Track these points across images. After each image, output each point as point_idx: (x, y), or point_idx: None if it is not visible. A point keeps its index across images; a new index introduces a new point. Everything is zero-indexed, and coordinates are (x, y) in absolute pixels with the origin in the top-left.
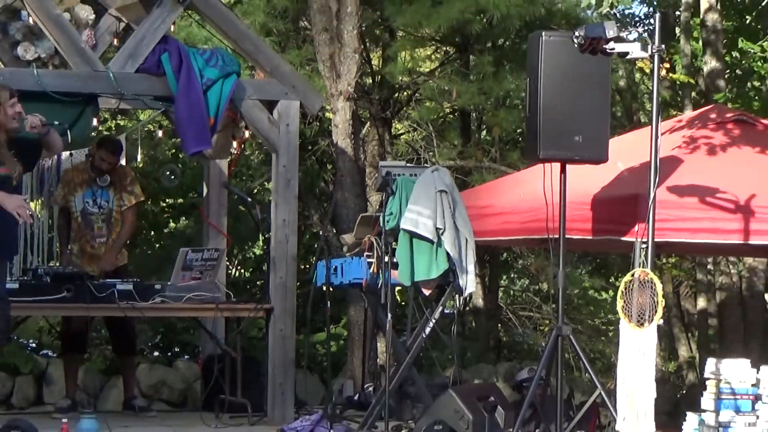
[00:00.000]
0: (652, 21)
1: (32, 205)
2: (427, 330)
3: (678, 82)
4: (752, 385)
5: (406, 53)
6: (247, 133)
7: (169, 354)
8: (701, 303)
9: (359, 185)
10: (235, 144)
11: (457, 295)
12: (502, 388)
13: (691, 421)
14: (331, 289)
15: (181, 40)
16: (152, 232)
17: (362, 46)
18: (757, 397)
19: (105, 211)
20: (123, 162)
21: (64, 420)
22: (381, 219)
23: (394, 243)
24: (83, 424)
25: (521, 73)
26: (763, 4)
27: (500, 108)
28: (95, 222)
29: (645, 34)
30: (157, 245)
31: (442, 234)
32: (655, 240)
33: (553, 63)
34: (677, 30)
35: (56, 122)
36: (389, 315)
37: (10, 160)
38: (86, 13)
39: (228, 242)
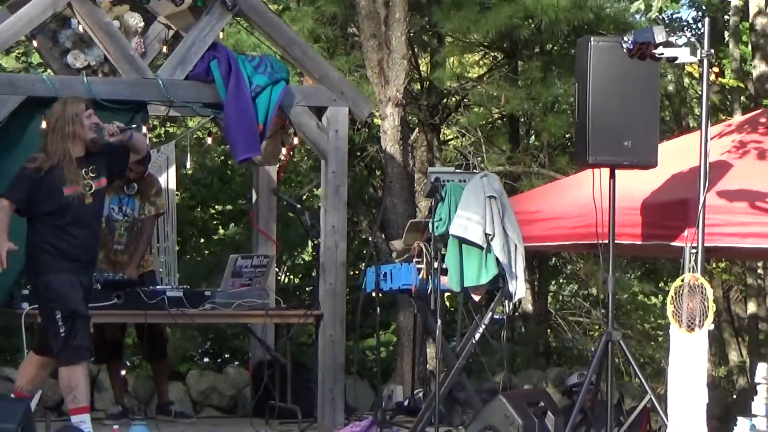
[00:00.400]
0: (700, 25)
1: None
2: (477, 335)
3: (727, 87)
4: None
5: (454, 59)
6: (296, 140)
7: (219, 360)
8: (751, 307)
9: (408, 191)
10: (284, 150)
11: (506, 301)
12: (552, 394)
13: (742, 426)
14: (380, 295)
15: (230, 47)
16: (201, 239)
17: (410, 52)
18: None
19: (129, 219)
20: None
21: (115, 426)
22: (430, 225)
23: (443, 249)
24: (134, 431)
25: (570, 79)
26: None
27: (549, 113)
28: (117, 229)
29: (694, 39)
30: (207, 252)
31: (492, 239)
32: (705, 245)
33: (601, 68)
34: (726, 34)
35: (134, 125)
36: (439, 321)
37: (77, 178)
38: (135, 20)
39: (277, 249)
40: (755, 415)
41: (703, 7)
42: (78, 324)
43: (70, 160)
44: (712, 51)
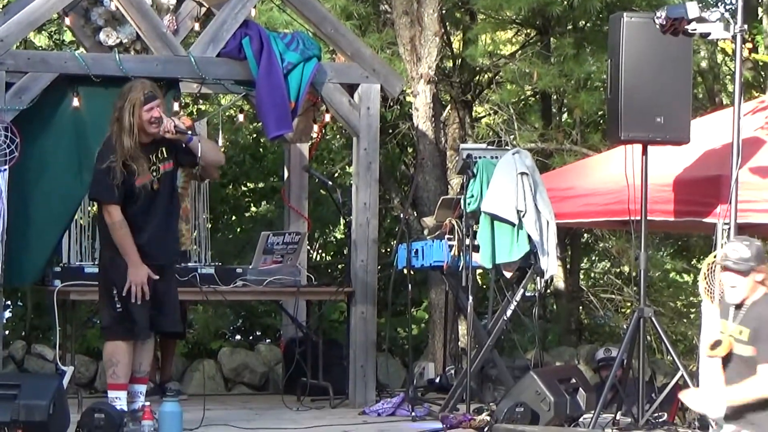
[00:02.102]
0: (734, 1)
1: None
2: (509, 312)
3: (761, 63)
4: None
5: (486, 36)
6: (327, 117)
7: (251, 338)
8: None
9: (440, 168)
10: (315, 128)
11: (538, 278)
12: (583, 371)
13: None
14: (412, 272)
15: (262, 24)
16: (233, 217)
17: (443, 30)
18: None
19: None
20: None
21: (147, 403)
22: (462, 202)
23: (475, 225)
24: (166, 407)
25: (602, 55)
26: None
27: (581, 90)
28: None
29: (727, 15)
30: (238, 229)
31: (523, 216)
32: (738, 221)
33: (634, 44)
34: (760, 10)
35: (189, 132)
36: (470, 298)
37: (145, 169)
38: (168, 0)
39: (309, 226)
40: None
41: None
42: (134, 304)
43: (136, 152)
44: (746, 26)
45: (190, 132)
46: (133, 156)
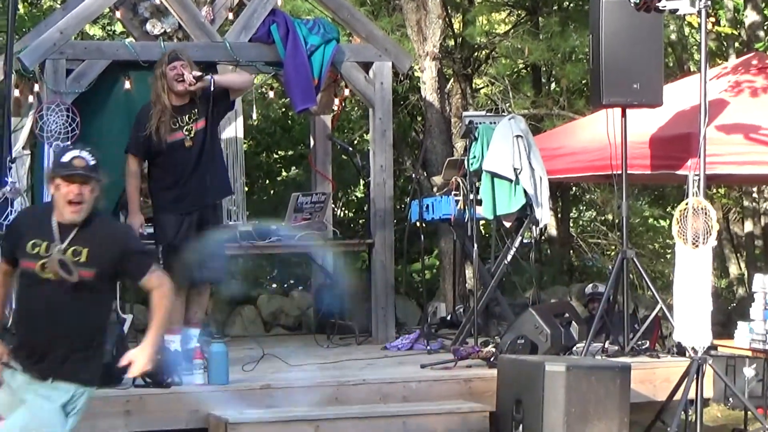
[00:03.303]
0: None
1: None
2: (509, 257)
3: (723, 34)
4: None
5: (483, 17)
6: (346, 92)
7: (285, 286)
8: (748, 227)
9: (445, 133)
10: (336, 101)
11: (533, 226)
12: (575, 306)
13: (741, 329)
14: (423, 224)
15: (287, 12)
16: (267, 181)
17: (445, 13)
18: None
19: None
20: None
21: (197, 344)
22: (466, 162)
23: (477, 182)
24: (214, 348)
25: (584, 31)
26: None
27: (567, 62)
28: None
29: None
30: (272, 192)
31: (520, 173)
32: (706, 172)
33: (612, 21)
34: None
35: (204, 74)
36: (475, 245)
37: (176, 127)
38: None
39: (333, 187)
40: (753, 320)
41: None
42: (174, 257)
43: (167, 112)
44: (709, 2)
45: (207, 75)
46: (167, 115)
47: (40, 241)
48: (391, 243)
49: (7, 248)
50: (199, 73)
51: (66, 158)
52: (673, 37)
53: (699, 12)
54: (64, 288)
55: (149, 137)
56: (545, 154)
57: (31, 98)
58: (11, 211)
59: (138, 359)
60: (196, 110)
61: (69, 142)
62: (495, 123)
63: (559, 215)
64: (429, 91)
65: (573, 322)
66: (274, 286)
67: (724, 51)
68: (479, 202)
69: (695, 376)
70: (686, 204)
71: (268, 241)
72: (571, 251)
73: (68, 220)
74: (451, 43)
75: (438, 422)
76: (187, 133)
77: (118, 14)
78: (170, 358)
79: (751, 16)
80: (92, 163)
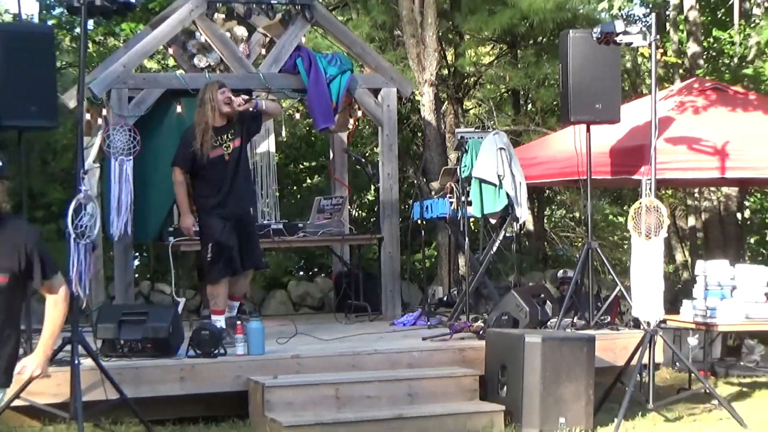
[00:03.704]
0: (649, 19)
1: None
2: (494, 248)
3: (669, 63)
4: (730, 279)
5: (471, 51)
6: (359, 113)
7: (310, 273)
8: (691, 221)
9: (441, 147)
10: (351, 121)
11: (514, 223)
12: (549, 288)
13: (686, 306)
14: (423, 221)
15: (310, 48)
16: (294, 187)
17: (440, 47)
18: (734, 287)
19: None
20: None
21: (239, 322)
22: (458, 170)
23: (468, 187)
24: (252, 324)
25: (555, 61)
26: (730, 3)
27: (541, 87)
28: None
29: (644, 29)
30: (299, 196)
31: (502, 179)
32: (657, 177)
33: (578, 52)
34: (667, 24)
35: (255, 96)
36: (466, 239)
37: (217, 144)
38: (242, 31)
39: (349, 191)
40: (695, 298)
41: (650, 5)
42: (221, 253)
43: (209, 131)
44: (658, 37)
45: (254, 99)
46: (207, 135)
47: None
48: (396, 237)
49: None
50: (247, 96)
51: None
52: (629, 65)
53: (650, 45)
54: None
55: (194, 153)
56: (523, 163)
57: (99, 121)
58: (84, 214)
59: (29, 364)
60: (233, 130)
61: (131, 157)
62: (482, 138)
63: (535, 213)
64: (427, 112)
65: (547, 301)
66: (301, 273)
67: (670, 76)
68: (469, 203)
69: (648, 345)
70: (640, 203)
71: (296, 237)
72: (546, 243)
73: None
74: (445, 72)
75: (437, 385)
76: (225, 149)
77: (170, 51)
78: (216, 333)
79: (692, 48)
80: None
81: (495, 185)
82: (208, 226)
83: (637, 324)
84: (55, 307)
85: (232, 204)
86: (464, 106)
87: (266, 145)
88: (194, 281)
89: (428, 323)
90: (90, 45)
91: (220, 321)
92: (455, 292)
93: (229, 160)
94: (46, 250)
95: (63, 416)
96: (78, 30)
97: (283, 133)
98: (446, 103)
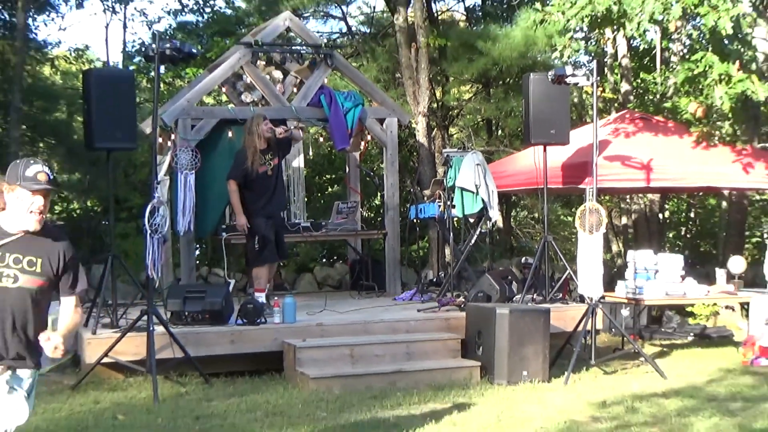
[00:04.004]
0: (591, 64)
1: None
2: (473, 241)
3: (607, 98)
4: (654, 265)
5: (454, 89)
6: (369, 137)
7: (331, 260)
8: (624, 220)
9: (431, 163)
10: (362, 143)
11: (488, 221)
12: (515, 271)
13: (620, 285)
14: (418, 221)
15: (331, 87)
16: (319, 194)
17: (431, 86)
18: (656, 271)
19: None
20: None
21: (276, 298)
22: (445, 181)
23: (452, 194)
24: (286, 299)
25: (519, 97)
26: (653, 52)
27: (508, 117)
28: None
29: (587, 72)
30: (322, 201)
31: (479, 188)
32: (597, 186)
33: (536, 90)
34: (605, 69)
35: (293, 127)
36: (451, 234)
37: (263, 162)
38: (278, 74)
39: (360, 197)
40: (626, 279)
41: (592, 54)
42: (265, 245)
43: (257, 153)
44: (598, 78)
45: (291, 129)
46: (256, 156)
47: None
48: (397, 233)
49: None
50: (285, 127)
51: (30, 172)
52: (576, 100)
53: (592, 84)
54: (18, 294)
55: (246, 169)
56: (495, 175)
57: (169, 143)
58: (157, 215)
59: (53, 336)
60: (272, 152)
61: (193, 171)
62: (463, 156)
63: (504, 214)
64: (421, 136)
65: (513, 281)
66: (324, 260)
67: (607, 109)
68: (453, 206)
69: (591, 315)
70: (584, 206)
71: (320, 232)
72: (512, 237)
73: (27, 229)
74: (435, 105)
75: (428, 346)
76: (268, 166)
77: (223, 89)
78: (259, 306)
79: (624, 87)
80: (52, 177)
81: (473, 192)
82: (256, 224)
83: (582, 299)
84: (75, 312)
85: (272, 207)
86: (449, 132)
87: (297, 162)
88: (241, 266)
89: (422, 299)
90: (161, 85)
91: (261, 297)
92: (442, 275)
93: (271, 175)
94: (78, 265)
95: (141, 370)
96: (152, 73)
97: (311, 153)
98: (435, 129)
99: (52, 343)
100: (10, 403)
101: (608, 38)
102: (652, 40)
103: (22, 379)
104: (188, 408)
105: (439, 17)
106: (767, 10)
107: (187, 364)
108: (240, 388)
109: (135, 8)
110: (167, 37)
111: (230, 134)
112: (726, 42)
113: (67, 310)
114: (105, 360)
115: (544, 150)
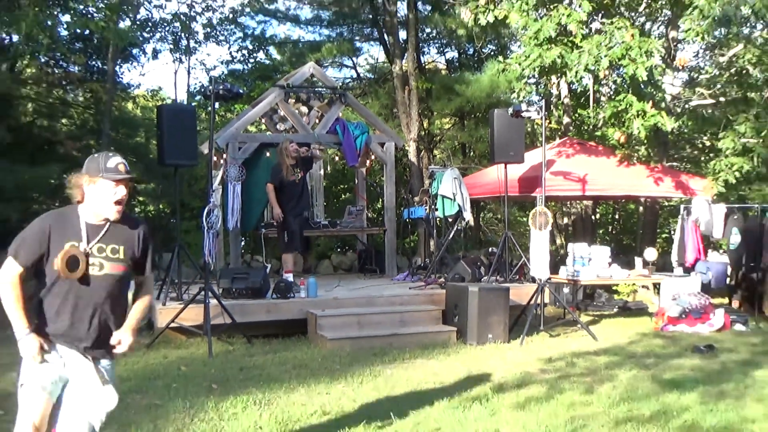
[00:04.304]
0: (541, 102)
1: None
2: (451, 235)
3: (553, 128)
4: (588, 254)
5: (438, 121)
6: (373, 157)
7: (344, 249)
8: (565, 220)
9: (420, 176)
10: (368, 161)
11: (462, 221)
12: (483, 259)
13: (562, 269)
14: (410, 220)
15: (344, 118)
16: (335, 200)
17: (419, 119)
18: (590, 259)
19: None
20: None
21: (302, 278)
22: (430, 190)
23: (435, 200)
24: (310, 279)
25: (486, 127)
26: (588, 93)
27: (478, 142)
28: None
29: (538, 108)
30: (337, 205)
31: (456, 195)
32: (546, 194)
33: (499, 122)
34: (552, 106)
35: (315, 148)
36: (434, 230)
37: (292, 174)
38: (305, 109)
39: (366, 202)
40: (567, 265)
41: (542, 95)
42: (293, 236)
43: (288, 167)
44: (546, 113)
45: (313, 151)
46: (287, 168)
47: (77, 242)
48: (394, 229)
49: (32, 253)
50: (306, 148)
51: (111, 164)
52: (529, 129)
53: (541, 118)
54: (103, 281)
55: (281, 178)
56: (468, 186)
57: (221, 161)
58: (213, 215)
59: (124, 338)
60: (299, 167)
61: (240, 182)
62: (444, 171)
63: (475, 215)
64: (412, 156)
65: (482, 266)
66: (339, 250)
67: (553, 136)
68: (436, 209)
69: (540, 292)
70: (536, 209)
71: (336, 229)
72: (480, 233)
73: (108, 218)
74: (423, 133)
75: (418, 315)
76: (296, 176)
77: (263, 120)
78: (289, 285)
79: (566, 120)
80: (128, 168)
81: (451, 199)
82: (287, 221)
83: (533, 280)
84: (147, 293)
85: (299, 209)
86: (433, 153)
87: (319, 175)
88: (276, 254)
89: (413, 279)
90: (216, 117)
91: (290, 277)
92: (428, 261)
93: (298, 183)
94: (152, 249)
95: (199, 333)
96: (209, 108)
97: (329, 168)
98: (423, 151)
99: (124, 346)
100: (104, 391)
101: (553, 83)
102: (586, 84)
103: (110, 365)
104: (235, 361)
105: (426, 67)
106: (673, 62)
107: (234, 328)
108: (274, 346)
109: (197, 59)
110: (221, 81)
111: (267, 154)
112: (642, 86)
113: (143, 290)
114: (172, 325)
115: (505, 167)
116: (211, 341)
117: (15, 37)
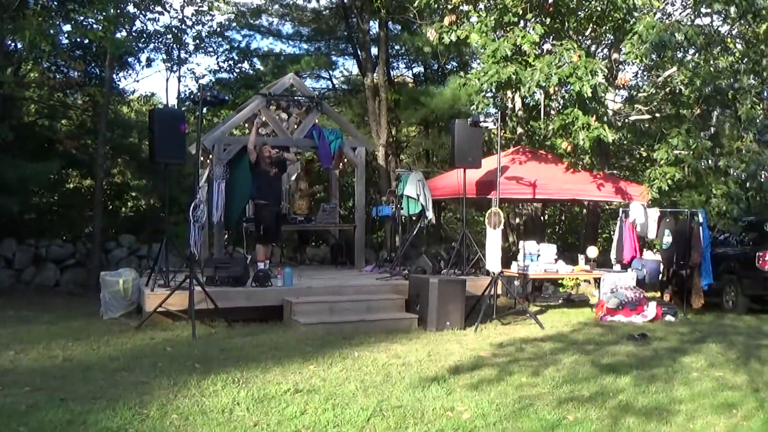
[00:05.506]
0: (497, 114)
1: None
2: (414, 232)
3: (507, 138)
4: (537, 251)
5: (404, 129)
6: (345, 160)
7: (318, 243)
8: (517, 220)
9: (387, 178)
10: (341, 164)
11: (425, 219)
12: (443, 254)
13: (514, 264)
14: (378, 218)
15: (320, 125)
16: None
17: (388, 127)
18: (539, 255)
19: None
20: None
21: (279, 268)
22: (396, 191)
23: (401, 200)
24: (286, 269)
25: (448, 135)
26: (539, 107)
27: (440, 149)
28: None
29: (495, 119)
30: (312, 202)
31: (419, 196)
32: (500, 197)
33: (460, 130)
34: (507, 117)
35: (294, 152)
36: (400, 226)
37: (272, 169)
38: (284, 116)
39: (339, 201)
40: (518, 261)
41: (498, 107)
42: (267, 229)
43: (269, 164)
44: (501, 124)
45: (283, 154)
46: (269, 166)
47: None
48: (363, 225)
49: None
50: (278, 150)
51: None
52: (486, 138)
53: (497, 128)
54: None
55: (262, 161)
56: (431, 188)
57: (208, 161)
58: (199, 210)
59: None
60: (274, 165)
61: (224, 179)
62: (409, 174)
63: (437, 214)
64: (381, 160)
65: (441, 260)
66: (313, 243)
67: (508, 144)
68: (401, 208)
69: (494, 284)
70: (491, 210)
71: (311, 224)
72: (441, 230)
73: None
74: (391, 139)
75: (382, 303)
76: (271, 171)
77: (246, 125)
78: (267, 274)
79: (519, 130)
80: None
81: (415, 199)
82: (263, 215)
83: (488, 273)
84: None
85: (273, 203)
86: (400, 158)
87: (296, 176)
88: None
89: (379, 271)
90: (203, 120)
91: (264, 265)
92: (393, 255)
93: (273, 177)
94: None
95: (184, 317)
96: (198, 113)
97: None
98: (390, 155)
99: None
100: None
101: (509, 97)
102: (538, 98)
103: None
104: (216, 343)
105: (395, 80)
106: (615, 81)
107: (216, 313)
108: (252, 330)
109: (187, 68)
110: (208, 88)
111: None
112: (587, 102)
113: None
114: (159, 309)
115: (464, 171)
116: (195, 324)
117: (20, 44)
